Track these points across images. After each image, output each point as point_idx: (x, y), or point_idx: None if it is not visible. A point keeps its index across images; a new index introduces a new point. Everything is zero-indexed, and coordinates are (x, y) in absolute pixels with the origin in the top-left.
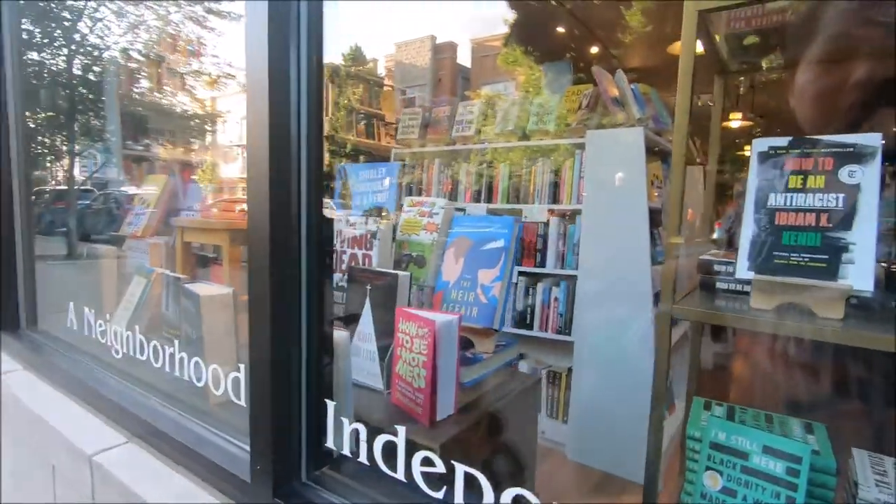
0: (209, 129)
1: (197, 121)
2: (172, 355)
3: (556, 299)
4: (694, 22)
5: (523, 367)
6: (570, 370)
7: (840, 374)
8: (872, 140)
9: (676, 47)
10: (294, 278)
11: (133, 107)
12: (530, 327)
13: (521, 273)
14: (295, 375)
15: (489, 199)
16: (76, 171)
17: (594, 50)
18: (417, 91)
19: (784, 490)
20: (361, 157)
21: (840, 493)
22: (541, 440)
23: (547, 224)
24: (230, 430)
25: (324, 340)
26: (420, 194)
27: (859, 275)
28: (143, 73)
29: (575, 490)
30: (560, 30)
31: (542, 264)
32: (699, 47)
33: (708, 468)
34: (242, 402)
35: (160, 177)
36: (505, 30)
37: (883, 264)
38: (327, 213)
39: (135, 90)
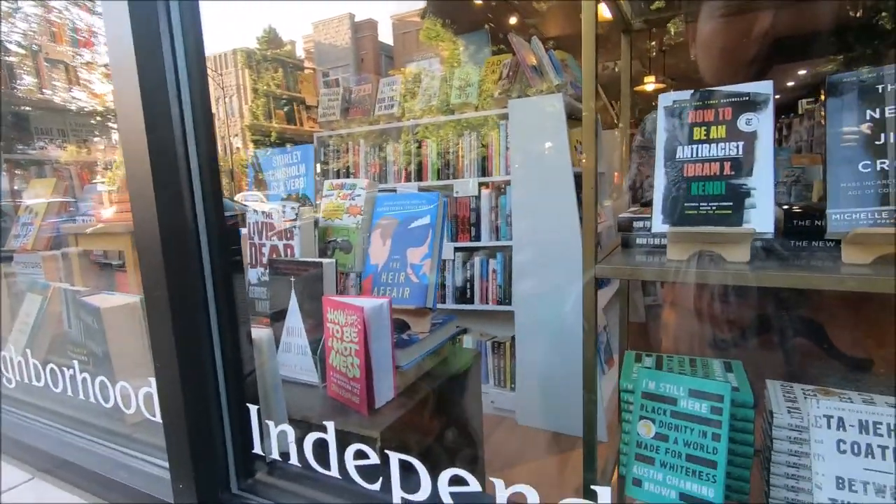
0: (113, 125)
1: (99, 117)
2: (73, 377)
3: (493, 271)
4: None
5: (468, 340)
6: (513, 339)
7: (752, 312)
8: (765, 87)
9: None
10: (195, 278)
11: (14, 105)
12: (471, 301)
13: (457, 249)
14: (210, 382)
15: (419, 178)
16: None
17: (512, 21)
18: (340, 72)
19: (710, 428)
20: (288, 145)
21: (758, 422)
22: (491, 409)
23: (479, 198)
24: (151, 450)
25: (240, 341)
26: (348, 178)
27: (761, 218)
28: (23, 68)
29: (527, 452)
30: (477, 1)
31: (478, 238)
32: (606, 12)
33: (641, 417)
34: (159, 419)
35: (48, 180)
36: (423, 4)
37: (784, 207)
38: (256, 205)
39: (16, 86)
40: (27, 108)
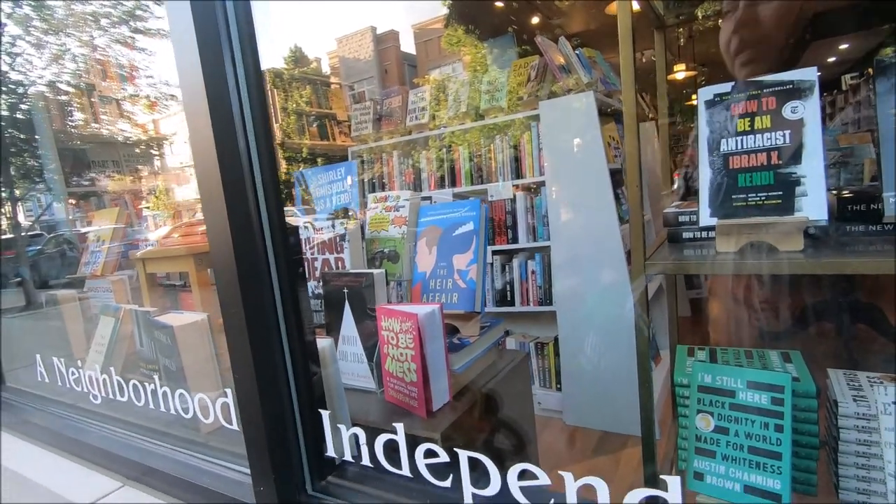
0: (156, 153)
1: (143, 146)
2: (154, 391)
3: (532, 272)
4: None
5: (510, 343)
6: (556, 339)
7: (805, 300)
8: (809, 74)
9: (614, 7)
10: (266, 293)
11: (71, 141)
12: (512, 304)
13: (495, 252)
14: (284, 390)
15: (453, 184)
16: (21, 217)
17: (535, 20)
18: (366, 85)
19: (772, 419)
20: (319, 160)
21: (822, 413)
22: (538, 410)
23: (514, 200)
24: (227, 456)
25: (307, 350)
26: (383, 189)
27: (813, 205)
28: (75, 105)
29: (577, 452)
30: (499, 4)
31: (515, 240)
32: (635, 5)
33: (699, 411)
34: (235, 427)
35: (112, 210)
36: (444, 11)
37: (834, 192)
38: (292, 220)
39: (70, 123)
40: (85, 144)
